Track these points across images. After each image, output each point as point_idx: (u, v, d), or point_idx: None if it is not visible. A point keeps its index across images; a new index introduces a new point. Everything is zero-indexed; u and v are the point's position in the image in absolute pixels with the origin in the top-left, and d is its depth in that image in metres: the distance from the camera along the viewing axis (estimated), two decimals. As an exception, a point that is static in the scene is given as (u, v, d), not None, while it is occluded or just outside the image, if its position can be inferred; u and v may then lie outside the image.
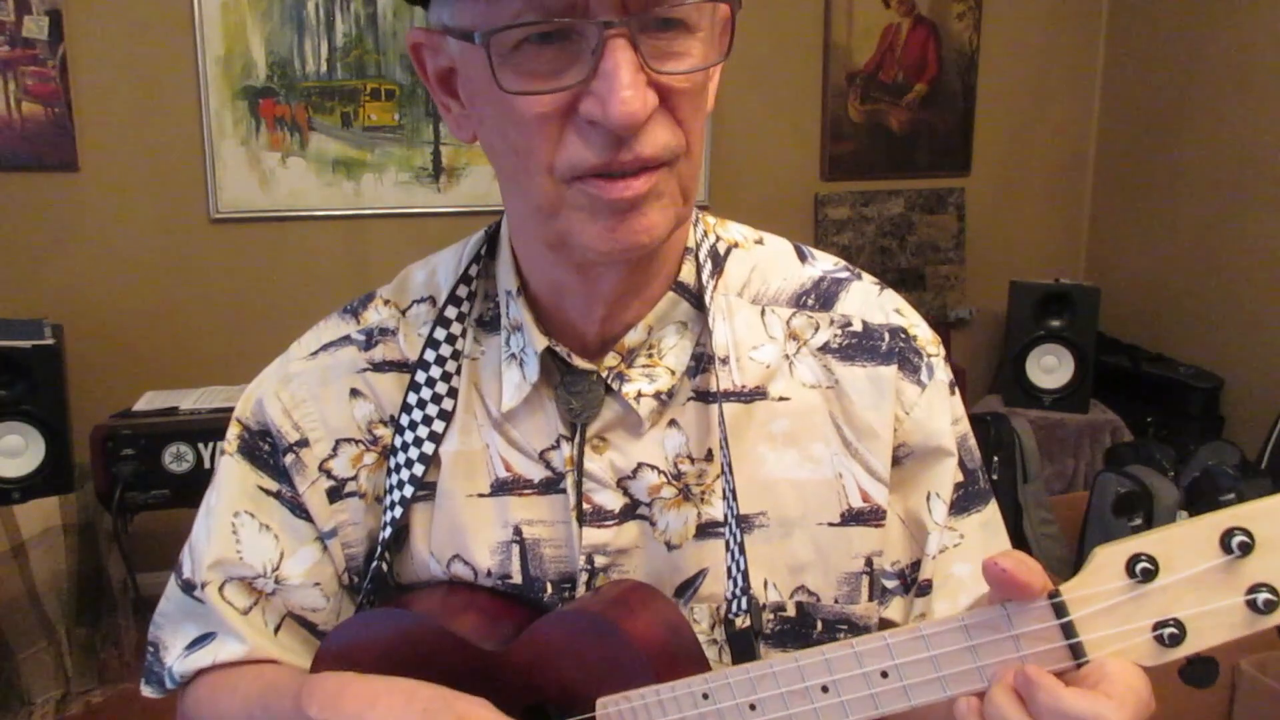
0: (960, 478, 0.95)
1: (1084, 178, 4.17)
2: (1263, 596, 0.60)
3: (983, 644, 0.66)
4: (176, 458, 2.70)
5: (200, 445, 2.70)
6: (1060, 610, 0.64)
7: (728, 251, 0.96)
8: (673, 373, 0.90)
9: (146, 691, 1.01)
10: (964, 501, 0.95)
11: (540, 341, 0.90)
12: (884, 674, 0.70)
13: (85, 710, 2.81)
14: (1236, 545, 0.61)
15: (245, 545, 0.96)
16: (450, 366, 0.94)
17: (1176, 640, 0.62)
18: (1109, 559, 0.63)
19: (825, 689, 0.72)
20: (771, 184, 3.86)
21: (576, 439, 0.91)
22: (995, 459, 3.21)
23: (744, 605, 0.85)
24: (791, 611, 0.91)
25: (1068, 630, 0.64)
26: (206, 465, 2.66)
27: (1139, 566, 0.62)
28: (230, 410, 1.01)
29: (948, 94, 3.94)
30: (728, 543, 0.88)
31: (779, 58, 3.79)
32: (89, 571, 2.83)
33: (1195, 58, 3.63)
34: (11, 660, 2.71)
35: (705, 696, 0.77)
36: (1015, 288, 3.61)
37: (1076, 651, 0.64)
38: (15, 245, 3.26)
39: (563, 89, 0.74)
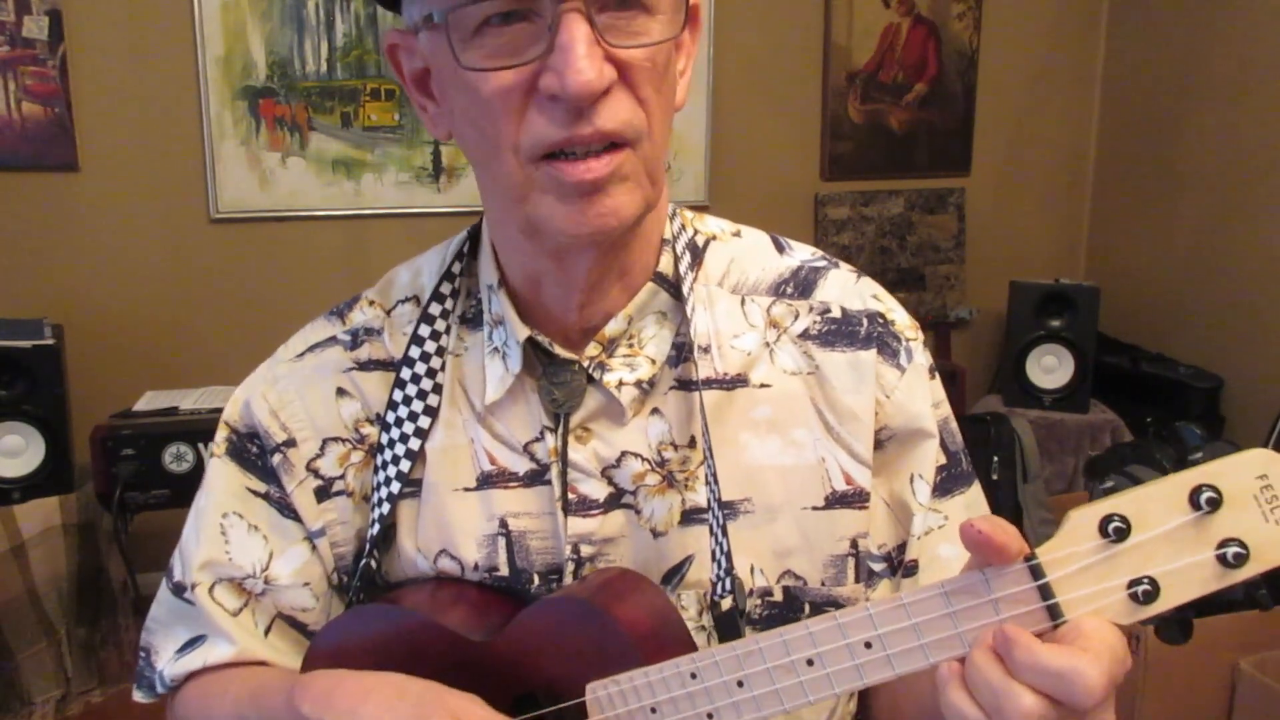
0: (943, 460, 0.95)
1: (1084, 178, 4.17)
2: (1232, 550, 0.61)
3: (963, 610, 0.67)
4: (176, 458, 2.70)
5: (200, 445, 2.71)
6: (1037, 572, 0.65)
7: (706, 244, 0.97)
8: (653, 362, 0.91)
9: (138, 696, 1.02)
10: (947, 483, 0.96)
11: (522, 331, 0.91)
12: (868, 644, 0.70)
13: (85, 710, 2.81)
14: (1205, 501, 0.62)
15: (234, 546, 0.97)
16: (435, 363, 0.95)
17: (1150, 597, 0.63)
18: (1082, 520, 0.64)
19: (810, 662, 0.72)
20: (771, 184, 3.86)
21: (560, 430, 0.92)
22: (995, 459, 3.20)
23: (728, 586, 0.86)
24: (779, 596, 0.92)
25: (1045, 592, 0.65)
26: (207, 465, 2.65)
27: (1112, 526, 0.63)
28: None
29: (948, 94, 3.94)
30: (711, 526, 0.88)
31: (779, 58, 3.79)
32: (89, 571, 2.83)
33: (1195, 58, 3.63)
34: (11, 660, 2.71)
35: (693, 676, 0.77)
36: (1015, 288, 3.61)
37: (1054, 612, 0.64)
38: (15, 245, 3.26)
39: (522, 64, 0.76)
